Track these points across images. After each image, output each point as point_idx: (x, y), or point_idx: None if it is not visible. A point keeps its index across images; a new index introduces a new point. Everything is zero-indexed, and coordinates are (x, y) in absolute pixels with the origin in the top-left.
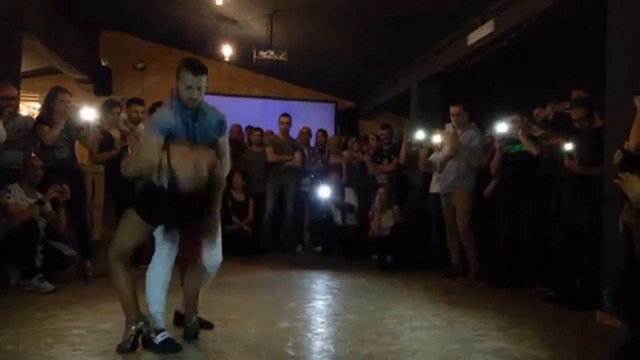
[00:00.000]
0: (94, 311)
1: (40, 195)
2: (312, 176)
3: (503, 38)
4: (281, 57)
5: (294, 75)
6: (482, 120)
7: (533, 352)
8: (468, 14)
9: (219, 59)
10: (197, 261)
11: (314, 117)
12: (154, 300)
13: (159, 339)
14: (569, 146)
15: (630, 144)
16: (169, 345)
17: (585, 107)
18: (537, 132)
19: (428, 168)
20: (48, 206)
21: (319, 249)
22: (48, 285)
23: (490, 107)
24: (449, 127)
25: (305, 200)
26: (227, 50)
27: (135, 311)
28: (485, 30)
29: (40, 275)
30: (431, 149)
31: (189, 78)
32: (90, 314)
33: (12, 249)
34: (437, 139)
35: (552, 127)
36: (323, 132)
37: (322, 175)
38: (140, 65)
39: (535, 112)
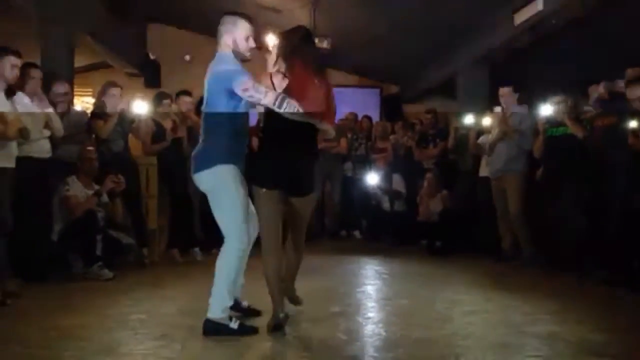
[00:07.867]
0: (151, 297)
1: (97, 187)
2: (353, 167)
3: (552, 17)
4: (324, 45)
5: (338, 62)
6: (532, 101)
7: (588, 335)
8: None
9: (264, 48)
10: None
11: (359, 103)
12: None
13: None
14: (634, 124)
15: None
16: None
17: None
18: (590, 113)
19: (478, 150)
20: (105, 197)
21: (356, 233)
22: (108, 273)
23: (540, 87)
24: (497, 109)
25: (349, 185)
26: (271, 40)
27: (280, 300)
28: (533, 9)
29: (100, 263)
30: (481, 131)
31: (248, 27)
32: (148, 300)
33: (74, 239)
34: (486, 121)
35: (607, 107)
36: (368, 118)
37: (365, 161)
38: (187, 57)
39: (591, 88)
